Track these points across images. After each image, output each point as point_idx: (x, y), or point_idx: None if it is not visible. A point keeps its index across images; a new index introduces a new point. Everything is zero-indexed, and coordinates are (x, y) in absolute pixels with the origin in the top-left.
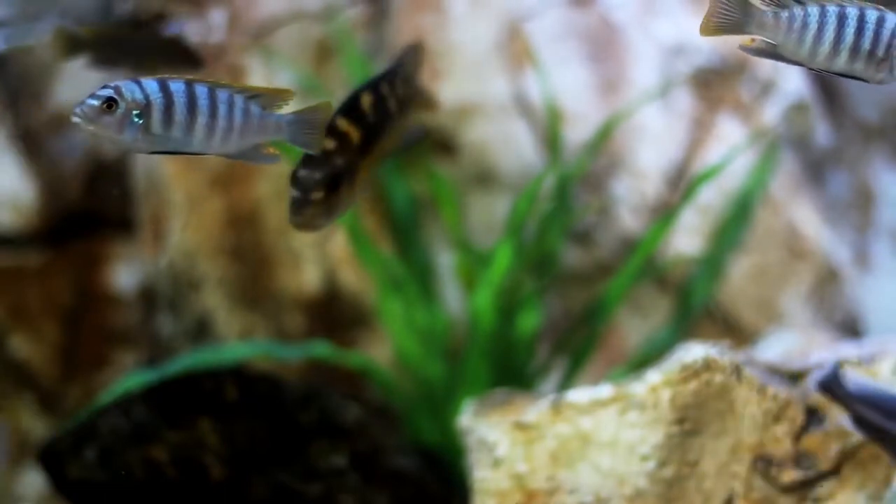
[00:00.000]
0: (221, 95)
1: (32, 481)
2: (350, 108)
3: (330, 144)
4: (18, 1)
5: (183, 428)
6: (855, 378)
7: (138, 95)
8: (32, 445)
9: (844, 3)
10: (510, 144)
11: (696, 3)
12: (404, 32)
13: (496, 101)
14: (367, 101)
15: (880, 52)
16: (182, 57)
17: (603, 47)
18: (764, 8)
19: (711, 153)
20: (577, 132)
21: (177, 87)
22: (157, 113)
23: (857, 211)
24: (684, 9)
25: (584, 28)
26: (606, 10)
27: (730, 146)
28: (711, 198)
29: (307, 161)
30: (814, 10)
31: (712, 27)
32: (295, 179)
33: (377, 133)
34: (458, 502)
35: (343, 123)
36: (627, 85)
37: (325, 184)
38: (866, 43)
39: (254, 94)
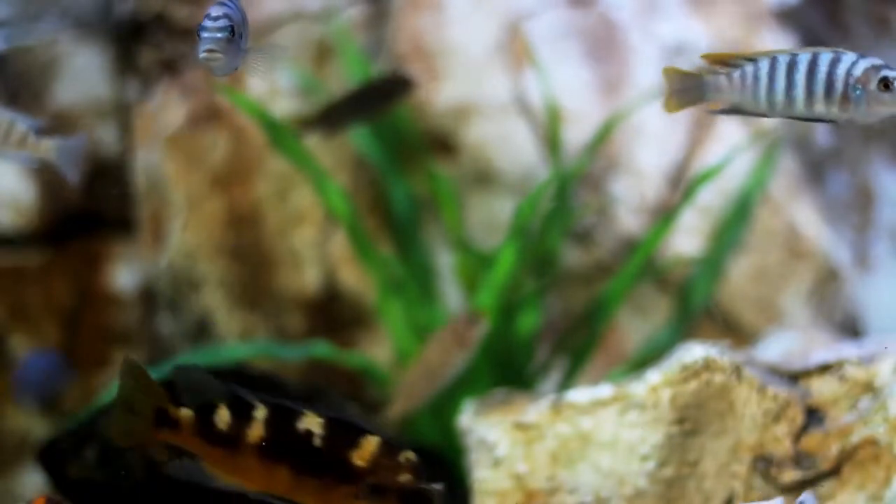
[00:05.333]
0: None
1: (32, 481)
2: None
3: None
4: (18, 1)
5: None
6: None
7: (239, 18)
8: (32, 445)
9: (796, 52)
10: (510, 144)
11: (696, 3)
12: (404, 32)
13: (496, 101)
14: None
15: (837, 92)
16: (399, 84)
17: (603, 47)
18: (718, 72)
19: (711, 153)
20: (577, 132)
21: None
22: (243, 30)
23: (857, 211)
24: (684, 9)
25: (584, 28)
26: (606, 9)
27: (730, 146)
28: (711, 198)
29: None
30: (763, 64)
31: (674, 104)
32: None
33: None
34: (459, 502)
35: None
36: (627, 85)
37: None
38: (819, 85)
39: None
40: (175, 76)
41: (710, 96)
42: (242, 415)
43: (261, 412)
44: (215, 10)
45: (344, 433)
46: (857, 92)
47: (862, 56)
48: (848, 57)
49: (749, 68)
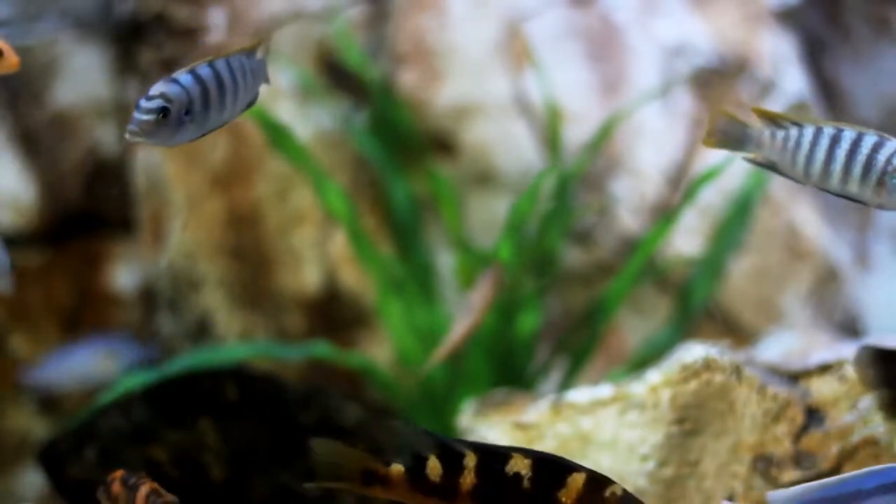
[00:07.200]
0: (234, 63)
1: (32, 481)
2: None
3: None
4: (18, 1)
5: (183, 428)
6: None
7: (182, 95)
8: (32, 445)
9: (843, 127)
10: (510, 144)
11: (697, 3)
12: (404, 32)
13: (496, 101)
14: None
15: (874, 176)
16: None
17: (603, 47)
18: (761, 128)
19: (711, 153)
20: (577, 132)
21: (204, 71)
22: (198, 104)
23: (857, 211)
24: (684, 9)
25: (584, 28)
26: (606, 10)
27: None
28: (711, 198)
29: None
30: (808, 132)
31: (714, 143)
32: None
33: None
34: None
35: None
36: (627, 85)
37: None
38: (858, 167)
39: (241, 50)
40: None
41: (749, 149)
42: (453, 464)
43: (470, 459)
44: (156, 88)
45: (551, 472)
46: (895, 181)
47: None
48: (892, 144)
49: (793, 132)
